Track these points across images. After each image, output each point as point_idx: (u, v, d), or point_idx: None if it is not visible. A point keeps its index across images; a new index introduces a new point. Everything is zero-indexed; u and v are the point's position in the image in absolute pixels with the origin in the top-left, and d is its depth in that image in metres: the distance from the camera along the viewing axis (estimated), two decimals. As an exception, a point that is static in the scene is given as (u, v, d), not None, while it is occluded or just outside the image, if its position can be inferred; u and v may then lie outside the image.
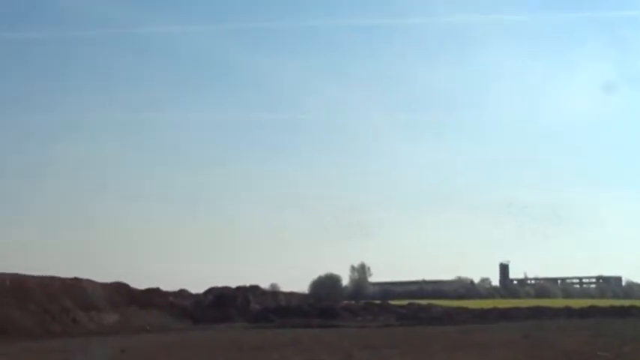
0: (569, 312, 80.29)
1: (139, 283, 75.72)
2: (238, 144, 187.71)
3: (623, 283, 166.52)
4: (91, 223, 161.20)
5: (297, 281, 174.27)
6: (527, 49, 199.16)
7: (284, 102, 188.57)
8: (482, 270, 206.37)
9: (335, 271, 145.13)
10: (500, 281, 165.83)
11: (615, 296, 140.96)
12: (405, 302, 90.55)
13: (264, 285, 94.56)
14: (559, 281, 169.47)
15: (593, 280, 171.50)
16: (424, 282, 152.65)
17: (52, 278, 65.50)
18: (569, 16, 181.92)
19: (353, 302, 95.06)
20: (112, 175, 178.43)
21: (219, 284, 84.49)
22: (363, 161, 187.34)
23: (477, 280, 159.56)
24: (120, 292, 69.83)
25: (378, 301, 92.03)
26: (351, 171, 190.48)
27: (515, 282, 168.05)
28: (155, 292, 75.32)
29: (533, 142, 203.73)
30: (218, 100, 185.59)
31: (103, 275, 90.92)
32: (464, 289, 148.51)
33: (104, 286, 69.81)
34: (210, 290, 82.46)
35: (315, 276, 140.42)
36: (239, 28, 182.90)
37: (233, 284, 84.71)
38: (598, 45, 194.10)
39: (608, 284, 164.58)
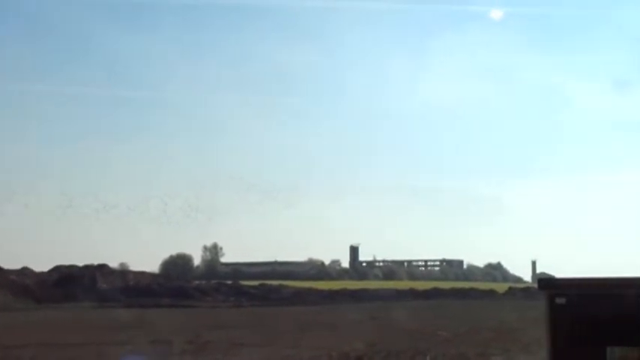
0: (414, 293, 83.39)
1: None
2: (99, 120, 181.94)
3: (465, 266, 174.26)
4: None
5: (147, 261, 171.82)
6: (387, 36, 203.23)
7: (142, 79, 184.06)
8: (334, 252, 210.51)
9: (187, 251, 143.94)
10: (350, 263, 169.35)
11: (457, 279, 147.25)
12: (256, 283, 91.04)
13: (113, 264, 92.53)
14: (405, 264, 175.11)
15: (437, 263, 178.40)
16: (276, 263, 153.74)
17: None
18: (425, 7, 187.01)
19: (204, 282, 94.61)
20: None
21: (66, 263, 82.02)
22: (219, 142, 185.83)
23: (327, 262, 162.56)
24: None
25: (229, 282, 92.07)
26: (206, 151, 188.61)
27: (364, 264, 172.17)
28: (-6, 270, 72.18)
29: (391, 128, 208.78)
30: (80, 75, 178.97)
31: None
32: (315, 270, 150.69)
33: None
34: (56, 269, 79.85)
35: (166, 255, 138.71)
36: (102, 1, 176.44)
37: (81, 263, 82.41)
38: (451, 36, 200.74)
39: (451, 267, 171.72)
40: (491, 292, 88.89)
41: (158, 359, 24.49)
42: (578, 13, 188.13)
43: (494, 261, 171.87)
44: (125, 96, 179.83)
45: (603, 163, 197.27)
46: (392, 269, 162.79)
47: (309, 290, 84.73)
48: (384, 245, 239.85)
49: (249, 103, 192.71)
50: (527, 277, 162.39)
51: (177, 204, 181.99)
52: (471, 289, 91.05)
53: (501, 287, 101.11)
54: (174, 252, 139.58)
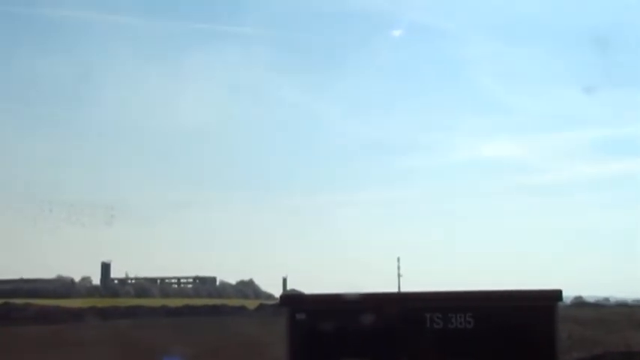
0: (166, 311, 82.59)
1: None
2: None
3: (218, 283, 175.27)
4: None
5: None
6: (143, 52, 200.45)
7: None
8: (85, 269, 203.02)
9: None
10: (101, 280, 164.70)
11: (210, 295, 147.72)
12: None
13: None
14: (159, 281, 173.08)
15: (191, 280, 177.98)
16: (21, 280, 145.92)
17: None
18: (176, 23, 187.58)
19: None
20: None
21: None
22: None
23: (77, 279, 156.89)
24: None
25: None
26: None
27: (116, 281, 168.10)
28: None
29: (138, 141, 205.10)
30: None
31: None
32: (64, 287, 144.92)
33: None
34: None
35: None
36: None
37: None
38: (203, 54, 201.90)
39: (204, 284, 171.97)
40: (241, 308, 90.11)
41: None
42: (328, 39, 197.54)
43: (246, 278, 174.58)
44: None
45: (350, 182, 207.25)
46: (144, 286, 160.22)
47: (57, 308, 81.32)
48: (137, 262, 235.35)
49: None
50: (278, 293, 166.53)
51: None
52: (222, 305, 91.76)
53: (252, 303, 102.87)
54: None
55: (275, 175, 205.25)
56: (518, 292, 11.20)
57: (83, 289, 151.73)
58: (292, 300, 12.08)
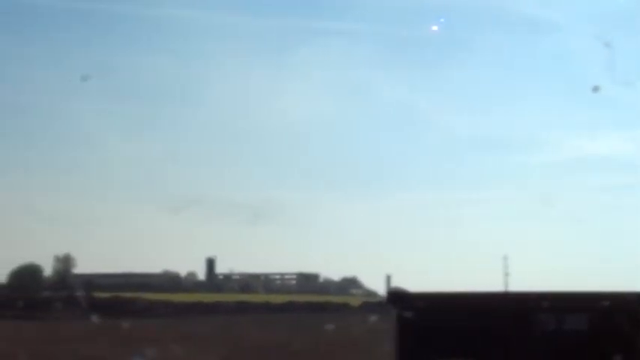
0: (269, 307, 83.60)
1: None
2: None
3: (321, 280, 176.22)
4: None
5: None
6: (244, 49, 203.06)
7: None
8: (190, 264, 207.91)
9: (37, 261, 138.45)
10: (207, 276, 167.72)
11: (313, 292, 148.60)
12: (109, 295, 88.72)
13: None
14: (262, 277, 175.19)
15: (294, 276, 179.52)
16: (130, 275, 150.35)
17: None
18: (282, 21, 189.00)
19: (54, 293, 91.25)
20: None
21: None
22: (73, 150, 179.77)
23: (183, 274, 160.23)
24: None
25: (81, 293, 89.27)
26: (59, 158, 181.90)
27: (220, 277, 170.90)
28: None
29: (246, 139, 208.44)
30: None
31: None
32: (170, 282, 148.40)
33: None
34: None
35: (14, 265, 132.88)
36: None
37: None
38: (307, 51, 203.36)
39: (307, 281, 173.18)
40: (345, 306, 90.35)
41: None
42: (433, 35, 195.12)
43: (350, 275, 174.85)
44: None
45: (457, 180, 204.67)
46: (248, 283, 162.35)
47: (164, 302, 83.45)
48: (241, 258, 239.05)
49: (105, 111, 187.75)
50: (381, 291, 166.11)
51: (30, 211, 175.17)
52: (326, 303, 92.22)
53: (356, 301, 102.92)
54: (22, 262, 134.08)
55: (380, 173, 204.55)
56: (635, 295, 10.78)
57: (189, 284, 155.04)
58: (400, 298, 11.94)
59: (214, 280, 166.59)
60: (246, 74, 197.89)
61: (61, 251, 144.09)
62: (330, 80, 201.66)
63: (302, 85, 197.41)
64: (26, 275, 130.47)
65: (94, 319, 60.68)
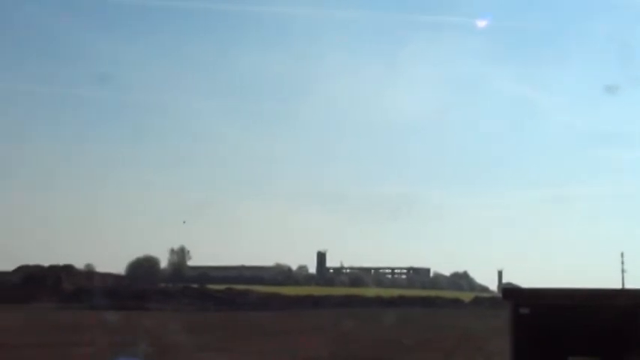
0: (379, 301, 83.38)
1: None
2: (55, 119, 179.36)
3: (432, 275, 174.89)
4: None
5: (113, 262, 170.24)
6: (355, 44, 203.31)
7: (108, 79, 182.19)
8: (301, 258, 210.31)
9: (153, 254, 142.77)
10: (317, 269, 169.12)
11: (424, 287, 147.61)
12: (223, 287, 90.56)
13: (79, 265, 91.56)
14: (372, 271, 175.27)
15: (404, 270, 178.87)
16: (243, 267, 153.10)
17: None
18: (395, 16, 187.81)
19: (170, 285, 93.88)
20: None
21: (31, 262, 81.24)
22: (188, 145, 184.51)
23: (294, 268, 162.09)
24: None
25: (196, 285, 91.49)
26: (176, 154, 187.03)
27: (331, 270, 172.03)
28: (-42, 269, 71.22)
29: (358, 135, 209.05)
30: (42, 72, 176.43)
31: None
32: (282, 275, 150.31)
33: None
34: (20, 269, 78.93)
35: (132, 257, 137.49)
36: (69, 2, 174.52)
37: (46, 263, 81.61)
38: (418, 46, 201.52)
39: (418, 275, 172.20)
40: (456, 301, 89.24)
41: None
42: (548, 26, 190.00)
43: (460, 270, 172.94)
44: (105, 97, 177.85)
45: (571, 176, 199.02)
46: (359, 276, 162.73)
47: (275, 295, 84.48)
48: (351, 252, 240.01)
49: (221, 107, 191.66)
50: (493, 286, 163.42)
51: (149, 206, 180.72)
52: (437, 298, 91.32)
53: (467, 296, 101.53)
54: (140, 254, 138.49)
55: (492, 168, 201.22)
56: None
57: (300, 277, 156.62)
58: (515, 294, 11.54)
59: (325, 274, 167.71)
60: (357, 69, 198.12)
61: (177, 244, 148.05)
62: (440, 75, 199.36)
63: (413, 80, 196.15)
64: (143, 267, 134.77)
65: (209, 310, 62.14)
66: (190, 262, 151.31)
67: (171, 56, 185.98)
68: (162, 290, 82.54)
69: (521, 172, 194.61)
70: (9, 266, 79.46)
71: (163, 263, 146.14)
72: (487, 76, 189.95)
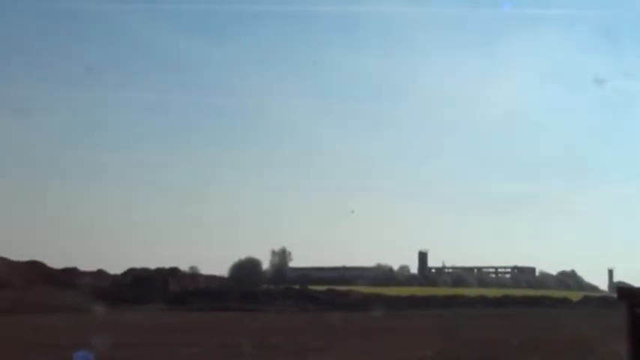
0: (484, 301, 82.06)
1: (56, 262, 74.14)
2: (157, 125, 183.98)
3: (537, 274, 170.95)
4: (5, 200, 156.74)
5: (217, 264, 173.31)
6: (453, 41, 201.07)
7: (207, 85, 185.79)
8: (402, 258, 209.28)
9: (255, 255, 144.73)
10: (419, 269, 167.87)
11: (529, 286, 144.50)
12: (324, 288, 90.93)
13: (184, 267, 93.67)
14: (475, 270, 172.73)
15: (508, 270, 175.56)
16: (344, 268, 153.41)
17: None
18: (491, 10, 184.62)
19: (272, 287, 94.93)
20: (29, 153, 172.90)
21: (138, 265, 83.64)
22: (287, 147, 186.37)
23: (395, 268, 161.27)
24: (34, 271, 68.26)
25: (297, 286, 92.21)
26: (274, 157, 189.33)
27: (433, 270, 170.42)
28: (72, 271, 73.91)
29: (460, 132, 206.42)
30: (141, 80, 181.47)
31: (18, 253, 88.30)
32: (383, 276, 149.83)
33: (18, 264, 68.09)
34: (129, 271, 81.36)
35: (235, 259, 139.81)
36: (166, 9, 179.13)
37: (152, 266, 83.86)
38: (520, 38, 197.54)
39: (523, 274, 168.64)
40: (564, 301, 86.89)
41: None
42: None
43: (567, 268, 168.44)
44: (206, 102, 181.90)
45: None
46: (461, 276, 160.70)
47: (377, 296, 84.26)
48: (453, 251, 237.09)
49: (319, 109, 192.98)
50: (603, 285, 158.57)
51: (248, 208, 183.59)
52: (544, 297, 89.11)
53: (575, 295, 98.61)
54: (243, 256, 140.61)
55: (595, 163, 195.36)
56: None
57: (401, 277, 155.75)
58: (631, 293, 11.03)
59: (427, 274, 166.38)
60: (456, 65, 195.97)
61: (278, 245, 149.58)
62: (542, 68, 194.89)
63: (513, 74, 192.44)
64: (246, 269, 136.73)
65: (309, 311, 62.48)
66: (291, 263, 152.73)
67: (270, 59, 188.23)
68: (264, 292, 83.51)
69: (633, 166, 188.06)
70: (118, 269, 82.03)
71: (265, 265, 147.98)
72: (588, 69, 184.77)
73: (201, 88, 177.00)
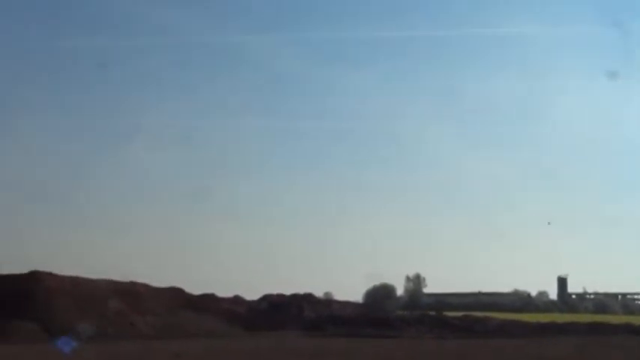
0: (629, 329, 78.36)
1: (194, 288, 76.35)
2: (285, 151, 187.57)
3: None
4: (146, 228, 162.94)
5: (351, 290, 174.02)
6: (587, 61, 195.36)
7: (340, 110, 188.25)
8: (540, 283, 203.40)
9: (389, 281, 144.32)
10: (559, 295, 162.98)
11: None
12: (460, 314, 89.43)
13: (318, 293, 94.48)
14: (619, 296, 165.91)
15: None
16: (480, 294, 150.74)
17: (109, 282, 66.43)
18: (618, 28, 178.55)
19: (407, 313, 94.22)
20: (164, 182, 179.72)
21: (274, 291, 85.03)
22: (423, 171, 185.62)
23: (534, 294, 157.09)
24: (175, 297, 70.52)
25: (432, 312, 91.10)
26: (409, 181, 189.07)
27: (573, 296, 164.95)
28: (210, 297, 75.92)
29: (598, 153, 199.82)
30: (272, 107, 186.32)
31: (159, 280, 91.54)
32: (521, 302, 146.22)
33: (160, 290, 70.56)
34: (265, 297, 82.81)
35: (369, 285, 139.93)
36: (301, 38, 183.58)
37: (287, 292, 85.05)
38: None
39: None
40: None
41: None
42: None
43: None
44: (337, 128, 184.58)
45: None
46: (604, 302, 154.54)
47: (515, 322, 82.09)
48: (594, 277, 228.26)
49: (455, 133, 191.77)
50: None
51: (383, 233, 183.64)
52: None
53: None
54: (377, 282, 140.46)
55: None
56: None
57: (540, 303, 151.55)
58: None
59: (567, 300, 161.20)
60: (594, 86, 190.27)
61: (412, 271, 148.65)
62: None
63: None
64: (380, 294, 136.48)
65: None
66: (426, 289, 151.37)
67: (403, 84, 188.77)
68: (399, 318, 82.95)
69: None
70: (254, 295, 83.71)
71: (399, 290, 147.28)
72: None
73: (326, 114, 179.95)
